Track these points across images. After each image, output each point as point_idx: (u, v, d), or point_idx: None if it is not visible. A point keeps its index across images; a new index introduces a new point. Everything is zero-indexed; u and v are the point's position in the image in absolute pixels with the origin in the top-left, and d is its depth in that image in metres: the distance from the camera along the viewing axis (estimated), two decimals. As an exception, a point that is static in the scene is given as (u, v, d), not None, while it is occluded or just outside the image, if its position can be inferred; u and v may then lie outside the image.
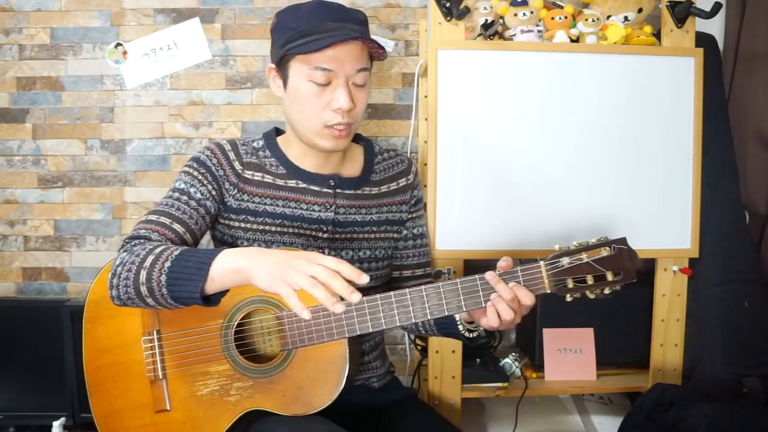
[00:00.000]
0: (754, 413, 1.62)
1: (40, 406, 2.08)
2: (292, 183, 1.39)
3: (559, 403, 2.07)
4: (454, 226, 1.77)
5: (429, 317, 1.18)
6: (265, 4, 2.30)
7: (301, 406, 1.22)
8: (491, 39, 1.76)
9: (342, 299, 1.02)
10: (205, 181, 1.34)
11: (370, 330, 1.19)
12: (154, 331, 1.28)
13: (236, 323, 1.26)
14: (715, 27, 2.05)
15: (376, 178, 1.48)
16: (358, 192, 1.44)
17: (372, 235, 1.46)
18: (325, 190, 1.40)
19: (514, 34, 1.80)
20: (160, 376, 1.28)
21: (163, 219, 1.28)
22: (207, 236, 1.42)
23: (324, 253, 1.36)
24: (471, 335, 1.34)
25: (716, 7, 1.70)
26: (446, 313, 1.18)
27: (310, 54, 1.25)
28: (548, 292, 1.18)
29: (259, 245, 1.35)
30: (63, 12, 2.30)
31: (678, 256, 1.84)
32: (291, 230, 1.38)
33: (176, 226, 1.27)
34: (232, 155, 1.38)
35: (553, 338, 1.94)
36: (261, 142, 1.43)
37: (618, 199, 1.80)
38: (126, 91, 2.31)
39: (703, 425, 1.54)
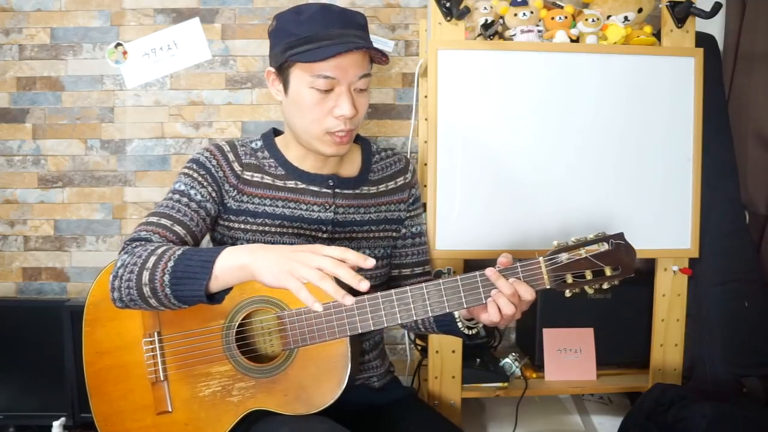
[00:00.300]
0: (754, 413, 1.62)
1: (40, 406, 2.08)
2: (291, 183, 1.39)
3: (559, 403, 2.07)
4: (453, 225, 1.77)
5: (430, 314, 1.18)
6: (265, 4, 2.30)
7: (303, 405, 1.22)
8: (491, 39, 1.76)
9: (351, 290, 1.02)
10: (205, 183, 1.34)
11: (372, 328, 1.19)
12: (155, 333, 1.28)
13: (237, 323, 1.26)
14: (715, 27, 2.05)
15: (374, 178, 1.48)
16: (357, 191, 1.44)
17: (371, 235, 1.46)
18: (324, 190, 1.40)
19: (514, 34, 1.80)
20: (162, 378, 1.27)
21: (163, 221, 1.28)
22: (207, 238, 1.42)
23: None
24: (470, 332, 1.34)
25: (716, 7, 1.71)
26: (447, 310, 1.18)
27: (313, 62, 1.24)
28: (548, 287, 1.19)
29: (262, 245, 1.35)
30: (63, 12, 2.30)
31: (678, 256, 1.84)
32: (291, 231, 1.38)
33: (177, 228, 1.27)
34: (231, 156, 1.38)
35: (553, 338, 1.94)
36: (259, 143, 1.43)
37: (618, 199, 1.81)
38: (126, 91, 2.31)
39: (703, 425, 1.55)
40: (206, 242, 1.47)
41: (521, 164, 1.78)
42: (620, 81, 1.79)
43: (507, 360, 1.90)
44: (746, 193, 1.99)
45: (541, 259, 1.18)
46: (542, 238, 1.78)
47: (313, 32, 1.24)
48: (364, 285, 1.03)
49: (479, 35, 1.77)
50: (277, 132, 1.47)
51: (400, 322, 1.20)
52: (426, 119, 2.05)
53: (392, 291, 1.19)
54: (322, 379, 1.23)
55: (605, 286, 1.19)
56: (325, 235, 1.40)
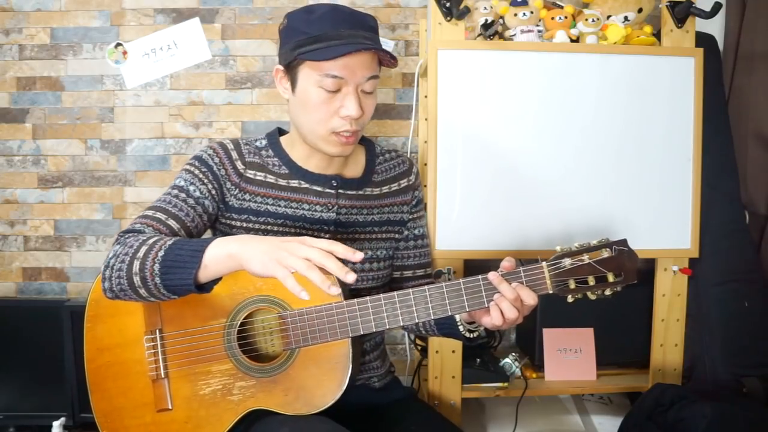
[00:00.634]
0: (754, 413, 1.62)
1: (40, 406, 2.08)
2: (294, 183, 1.39)
3: (559, 403, 2.07)
4: (454, 226, 1.77)
5: (432, 317, 1.19)
6: (265, 4, 2.30)
7: (303, 405, 1.22)
8: (491, 39, 1.76)
9: (340, 282, 1.03)
10: (206, 180, 1.34)
11: (374, 330, 1.19)
12: (157, 330, 1.28)
13: (239, 322, 1.26)
14: (715, 27, 2.05)
15: (377, 179, 1.48)
16: (360, 192, 1.44)
17: (373, 236, 1.46)
18: (327, 190, 1.40)
19: (514, 34, 1.80)
20: (162, 375, 1.27)
21: (158, 214, 1.28)
22: (207, 235, 1.42)
23: None
24: (471, 335, 1.34)
25: (716, 7, 1.71)
26: (449, 313, 1.19)
27: (322, 61, 1.25)
28: (550, 292, 1.19)
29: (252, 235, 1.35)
30: (63, 12, 2.30)
31: (678, 256, 1.84)
32: (293, 230, 1.38)
33: (171, 222, 1.27)
34: (234, 154, 1.38)
35: (553, 338, 1.94)
36: (264, 142, 1.43)
37: (618, 200, 1.81)
38: (126, 91, 2.31)
39: (703, 425, 1.55)
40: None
41: (521, 164, 1.78)
42: (620, 81, 1.79)
43: (507, 360, 1.90)
44: (746, 193, 1.99)
45: (544, 264, 1.19)
46: (542, 239, 1.78)
47: (322, 31, 1.25)
48: (350, 277, 1.04)
49: (479, 35, 1.77)
50: (282, 132, 1.47)
51: (401, 324, 1.20)
52: (426, 119, 2.05)
53: (395, 293, 1.19)
54: (323, 380, 1.23)
55: (608, 292, 1.20)
56: (327, 236, 1.40)
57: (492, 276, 1.17)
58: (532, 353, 2.00)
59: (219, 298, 1.25)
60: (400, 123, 2.35)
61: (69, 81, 2.31)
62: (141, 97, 2.32)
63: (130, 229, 1.24)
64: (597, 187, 1.80)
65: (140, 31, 2.29)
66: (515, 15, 1.78)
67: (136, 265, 1.14)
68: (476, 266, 1.79)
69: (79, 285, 2.35)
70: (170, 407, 1.27)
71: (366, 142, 1.52)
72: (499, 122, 1.78)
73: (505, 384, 1.86)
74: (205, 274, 1.12)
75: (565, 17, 1.80)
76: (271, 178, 1.38)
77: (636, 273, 1.20)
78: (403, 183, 1.51)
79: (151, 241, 1.16)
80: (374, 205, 1.46)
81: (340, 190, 1.41)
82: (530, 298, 1.17)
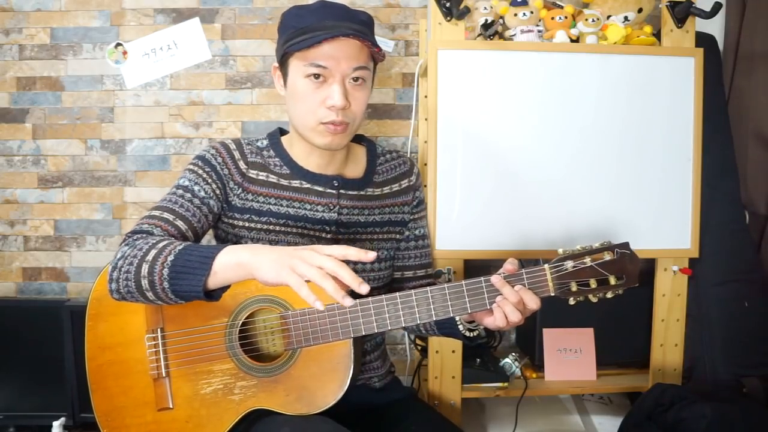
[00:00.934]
0: (754, 413, 1.62)
1: (40, 406, 2.08)
2: (295, 183, 1.39)
3: (559, 403, 2.07)
4: (454, 226, 1.78)
5: (434, 318, 1.19)
6: (265, 4, 2.31)
7: (304, 405, 1.22)
8: (491, 39, 1.76)
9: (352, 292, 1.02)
10: (210, 180, 1.34)
11: (376, 330, 1.19)
12: (158, 329, 1.28)
13: (241, 322, 1.26)
14: (715, 27, 2.05)
15: (378, 180, 1.48)
16: (361, 193, 1.44)
17: (375, 236, 1.46)
18: (328, 190, 1.40)
19: (514, 34, 1.80)
20: (164, 374, 1.27)
21: (166, 215, 1.28)
22: (209, 235, 1.42)
23: None
24: (471, 334, 1.34)
25: (716, 7, 1.71)
26: (451, 315, 1.19)
27: (307, 51, 1.26)
28: (552, 294, 1.19)
29: (263, 245, 1.35)
30: (63, 12, 2.30)
31: (678, 256, 1.85)
32: (294, 230, 1.38)
33: (179, 223, 1.27)
34: (237, 154, 1.38)
35: (553, 338, 1.94)
36: (265, 142, 1.43)
37: (618, 200, 1.81)
38: (126, 91, 2.31)
39: (703, 425, 1.55)
40: (208, 240, 1.47)
41: (521, 164, 1.79)
42: (620, 81, 1.79)
43: (507, 360, 1.90)
44: (746, 193, 1.99)
45: (546, 266, 1.19)
46: (543, 239, 1.78)
47: (310, 24, 1.27)
48: (364, 288, 1.01)
49: (479, 35, 1.77)
50: (283, 132, 1.48)
51: (403, 324, 1.20)
52: (426, 119, 2.05)
53: (397, 294, 1.19)
54: (325, 380, 1.23)
55: (609, 295, 1.20)
56: (328, 236, 1.40)
57: (495, 279, 1.17)
58: (532, 353, 2.00)
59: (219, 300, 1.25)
60: (400, 123, 2.35)
61: (69, 81, 2.31)
62: (141, 97, 2.32)
63: (138, 229, 1.24)
64: (597, 188, 1.80)
65: (140, 31, 2.29)
66: (515, 15, 1.78)
67: (145, 268, 1.13)
68: (477, 266, 1.80)
69: (79, 285, 2.35)
70: (171, 406, 1.27)
71: (367, 143, 1.52)
72: (499, 122, 1.78)
73: (505, 384, 1.86)
74: (214, 281, 1.11)
75: (565, 17, 1.80)
76: (273, 178, 1.39)
77: (638, 276, 1.20)
78: (404, 183, 1.51)
79: (160, 244, 1.16)
80: (375, 206, 1.46)
81: (341, 191, 1.41)
82: (533, 302, 1.17)
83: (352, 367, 1.22)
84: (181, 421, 1.27)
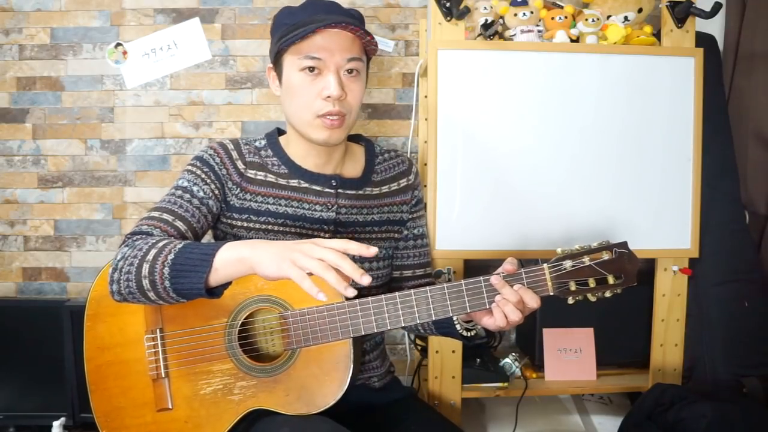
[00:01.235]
0: (754, 413, 1.62)
1: (40, 406, 2.07)
2: (294, 182, 1.39)
3: (559, 403, 2.07)
4: (454, 226, 1.78)
5: (433, 318, 1.19)
6: (265, 4, 2.30)
7: (304, 405, 1.22)
8: (491, 39, 1.76)
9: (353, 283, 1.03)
10: (208, 180, 1.34)
11: (375, 330, 1.19)
12: (158, 330, 1.28)
13: (240, 322, 1.26)
14: (715, 27, 2.05)
15: (377, 179, 1.48)
16: (360, 192, 1.44)
17: (373, 236, 1.46)
18: (327, 190, 1.40)
19: (514, 34, 1.80)
20: (163, 375, 1.27)
21: (165, 216, 1.28)
22: (208, 235, 1.42)
23: None
24: (468, 333, 1.35)
25: (716, 7, 1.71)
26: (450, 314, 1.19)
27: (300, 44, 1.28)
28: (551, 294, 1.19)
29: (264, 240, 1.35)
30: (63, 12, 2.29)
31: (678, 256, 1.84)
32: (293, 230, 1.38)
33: (178, 224, 1.28)
34: (235, 154, 1.39)
35: (553, 338, 1.94)
36: (263, 142, 1.44)
37: (618, 199, 1.81)
38: (126, 91, 2.31)
39: (703, 425, 1.55)
40: (207, 241, 1.47)
41: (521, 164, 1.78)
42: (620, 81, 1.79)
43: (507, 360, 1.90)
44: (746, 193, 1.99)
45: (545, 265, 1.19)
46: (542, 238, 1.78)
47: (301, 19, 1.29)
48: (366, 279, 1.03)
49: (479, 35, 1.77)
50: (281, 132, 1.48)
51: (402, 324, 1.20)
52: (426, 119, 2.05)
53: (396, 294, 1.19)
54: (324, 380, 1.23)
55: (608, 294, 1.21)
56: (327, 235, 1.40)
57: (494, 280, 1.18)
58: (532, 353, 2.00)
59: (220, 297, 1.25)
60: (400, 123, 2.35)
61: (69, 81, 2.31)
62: (141, 97, 2.32)
63: (138, 230, 1.24)
64: (597, 187, 1.80)
65: (140, 31, 2.29)
66: (515, 15, 1.78)
67: (146, 268, 1.13)
68: (476, 266, 1.79)
69: (79, 285, 2.34)
70: (170, 407, 1.27)
71: (365, 142, 1.53)
72: (499, 122, 1.78)
73: (505, 384, 1.86)
74: (215, 278, 1.11)
75: (565, 17, 1.80)
76: (271, 178, 1.39)
77: (636, 275, 1.21)
78: (403, 183, 1.51)
79: (160, 244, 1.16)
80: (374, 205, 1.46)
81: (339, 190, 1.41)
82: (533, 301, 1.17)
83: (351, 367, 1.22)
84: (180, 421, 1.27)
